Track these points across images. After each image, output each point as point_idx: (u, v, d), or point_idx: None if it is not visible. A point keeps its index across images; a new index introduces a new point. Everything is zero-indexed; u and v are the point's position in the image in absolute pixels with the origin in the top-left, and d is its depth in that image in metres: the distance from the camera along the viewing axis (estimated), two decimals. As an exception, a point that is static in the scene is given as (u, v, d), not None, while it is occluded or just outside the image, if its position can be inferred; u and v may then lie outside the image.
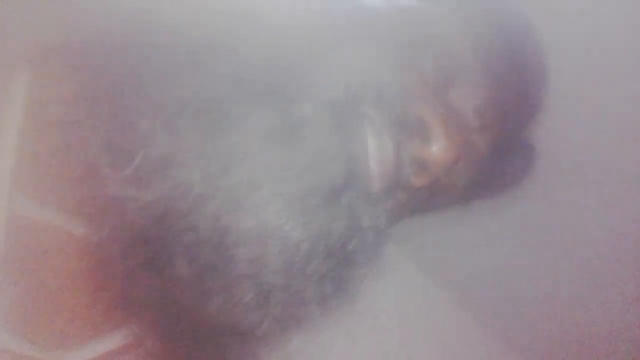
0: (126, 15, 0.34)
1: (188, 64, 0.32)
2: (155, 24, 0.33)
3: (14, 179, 0.34)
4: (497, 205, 0.57)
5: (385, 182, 0.37)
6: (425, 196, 0.43)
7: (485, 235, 0.72)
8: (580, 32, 0.55)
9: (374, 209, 0.36)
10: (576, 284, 0.76)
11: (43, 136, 0.34)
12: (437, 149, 0.39)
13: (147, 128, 0.30)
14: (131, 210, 0.30)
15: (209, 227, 0.30)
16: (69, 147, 0.33)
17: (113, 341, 0.36)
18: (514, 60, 0.47)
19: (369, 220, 0.35)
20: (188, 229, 0.30)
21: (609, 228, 0.68)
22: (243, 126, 0.31)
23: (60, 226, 0.34)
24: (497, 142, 0.46)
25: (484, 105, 0.44)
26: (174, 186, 0.30)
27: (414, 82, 0.41)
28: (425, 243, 0.72)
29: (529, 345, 0.82)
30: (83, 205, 0.33)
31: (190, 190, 0.30)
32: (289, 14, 0.37)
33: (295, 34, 0.36)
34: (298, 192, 0.31)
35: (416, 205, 0.44)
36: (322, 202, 0.32)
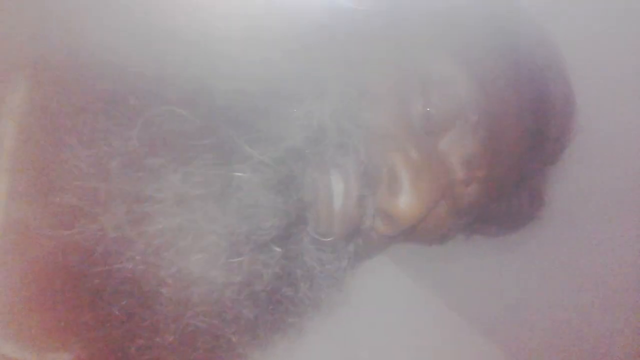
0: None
1: (149, 98, 0.31)
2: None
3: (11, 184, 0.34)
4: (497, 243, 0.55)
5: (346, 228, 0.35)
6: (398, 238, 0.41)
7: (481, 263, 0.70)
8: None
9: (326, 255, 0.35)
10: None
11: (35, 143, 0.34)
12: (403, 203, 0.36)
13: (73, 164, 0.30)
14: (51, 247, 0.31)
15: (134, 269, 0.30)
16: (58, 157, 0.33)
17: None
18: (526, 115, 0.42)
19: (314, 266, 0.34)
20: (113, 269, 0.30)
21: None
22: (175, 176, 0.30)
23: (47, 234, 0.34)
24: (490, 193, 0.43)
25: (474, 159, 0.40)
26: (89, 230, 0.30)
27: (398, 126, 0.38)
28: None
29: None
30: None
31: (113, 232, 0.30)
32: (258, 52, 0.34)
33: (265, 75, 0.34)
34: (224, 242, 0.31)
35: (389, 245, 0.43)
36: (251, 251, 0.31)
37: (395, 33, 0.41)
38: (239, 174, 0.31)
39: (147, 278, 0.30)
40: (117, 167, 0.30)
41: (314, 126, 0.34)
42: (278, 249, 0.32)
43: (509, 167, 0.43)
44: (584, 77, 0.46)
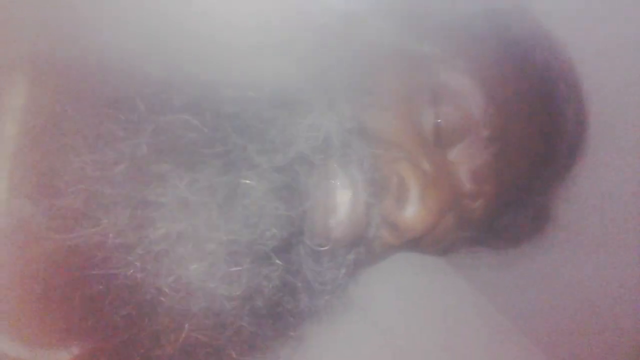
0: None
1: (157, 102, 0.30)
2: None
3: (11, 183, 0.34)
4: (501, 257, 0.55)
5: (349, 236, 0.34)
6: (402, 248, 0.41)
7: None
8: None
9: (324, 265, 0.34)
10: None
11: (36, 142, 0.34)
12: (410, 215, 0.36)
13: (77, 168, 0.30)
14: (52, 249, 0.30)
15: (133, 276, 0.30)
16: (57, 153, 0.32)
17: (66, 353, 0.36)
18: (536, 130, 0.42)
19: (313, 277, 0.34)
20: (113, 275, 0.30)
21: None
22: (180, 182, 0.29)
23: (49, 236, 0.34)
24: (497, 207, 0.43)
25: (483, 173, 0.40)
26: (89, 234, 0.29)
27: (408, 136, 0.38)
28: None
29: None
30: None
31: (104, 241, 0.29)
32: (267, 59, 0.34)
33: (273, 82, 0.33)
34: (223, 251, 0.30)
35: (393, 254, 0.43)
36: (251, 261, 0.31)
37: (407, 44, 0.41)
38: (246, 181, 0.30)
39: (146, 285, 0.30)
40: (122, 172, 0.30)
41: (320, 136, 0.33)
42: (279, 262, 0.32)
43: (517, 183, 0.43)
44: (600, 89, 0.45)
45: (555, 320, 0.71)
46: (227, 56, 0.34)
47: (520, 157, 0.42)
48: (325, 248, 0.34)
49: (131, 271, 0.30)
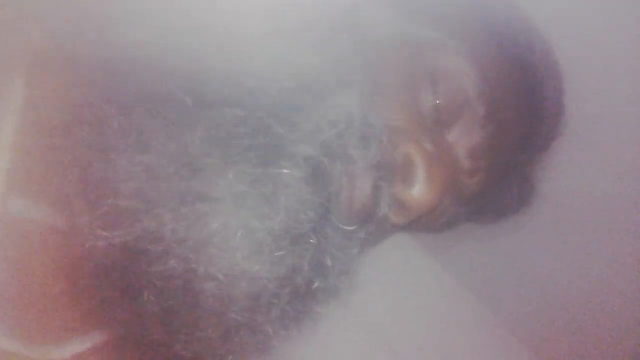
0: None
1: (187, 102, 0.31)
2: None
3: (9, 179, 0.34)
4: (488, 232, 0.58)
5: (359, 216, 0.36)
6: (404, 228, 0.43)
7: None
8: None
9: (344, 244, 0.36)
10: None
11: (37, 138, 0.34)
12: (418, 193, 0.38)
13: (124, 167, 0.30)
14: (100, 247, 0.31)
15: (179, 268, 0.30)
16: (61, 149, 0.32)
17: (88, 342, 0.36)
18: (523, 107, 0.45)
19: (337, 255, 0.35)
20: (158, 268, 0.30)
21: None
22: (227, 175, 0.30)
23: (50, 226, 0.34)
24: (492, 182, 0.46)
25: (480, 149, 0.42)
26: (144, 231, 0.30)
27: (410, 119, 0.40)
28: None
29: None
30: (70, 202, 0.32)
31: (161, 236, 0.30)
32: (284, 47, 0.35)
33: (294, 69, 0.34)
34: (268, 238, 0.31)
35: (394, 233, 0.45)
36: (290, 244, 0.32)
37: (406, 31, 0.43)
38: (286, 171, 0.31)
39: (193, 276, 0.30)
40: (171, 168, 0.30)
41: (343, 119, 0.34)
42: (313, 241, 0.33)
43: (509, 156, 0.46)
44: (584, 75, 0.49)
45: (545, 321, 0.75)
46: (245, 46, 0.35)
47: (510, 132, 0.45)
48: (347, 227, 0.36)
49: (180, 265, 0.30)
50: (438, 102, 0.41)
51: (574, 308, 0.72)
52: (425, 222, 0.44)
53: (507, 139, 0.45)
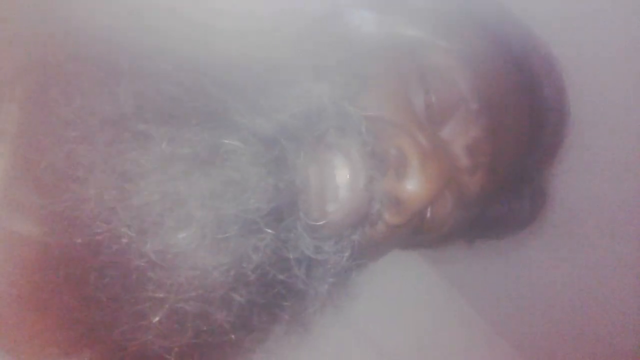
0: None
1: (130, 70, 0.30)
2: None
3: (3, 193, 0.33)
4: (500, 245, 0.54)
5: (353, 216, 0.34)
6: (405, 233, 0.40)
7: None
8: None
9: (327, 244, 0.33)
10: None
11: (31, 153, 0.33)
12: (412, 187, 0.36)
13: (60, 133, 0.29)
14: (34, 217, 0.30)
15: (116, 246, 0.29)
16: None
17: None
18: (521, 103, 0.43)
19: (315, 254, 0.33)
20: (94, 246, 0.29)
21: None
22: (161, 141, 0.29)
23: (37, 241, 0.33)
24: (495, 184, 0.43)
25: (477, 146, 0.41)
26: (75, 199, 0.29)
27: (403, 116, 0.38)
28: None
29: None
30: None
31: (93, 204, 0.28)
32: (259, 38, 0.34)
33: (265, 57, 0.33)
34: (214, 219, 0.29)
35: (396, 242, 0.42)
36: (239, 230, 0.30)
37: (392, 30, 0.42)
38: (227, 141, 0.30)
39: (132, 256, 0.29)
40: (103, 133, 0.29)
41: (312, 106, 0.33)
42: (269, 231, 0.31)
43: (511, 156, 0.44)
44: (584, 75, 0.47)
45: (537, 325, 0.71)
46: (217, 38, 0.35)
47: (510, 128, 0.43)
48: (322, 223, 0.34)
49: (114, 240, 0.29)
50: (430, 99, 0.40)
51: (572, 314, 0.68)
52: (427, 228, 0.42)
53: (506, 135, 0.43)
